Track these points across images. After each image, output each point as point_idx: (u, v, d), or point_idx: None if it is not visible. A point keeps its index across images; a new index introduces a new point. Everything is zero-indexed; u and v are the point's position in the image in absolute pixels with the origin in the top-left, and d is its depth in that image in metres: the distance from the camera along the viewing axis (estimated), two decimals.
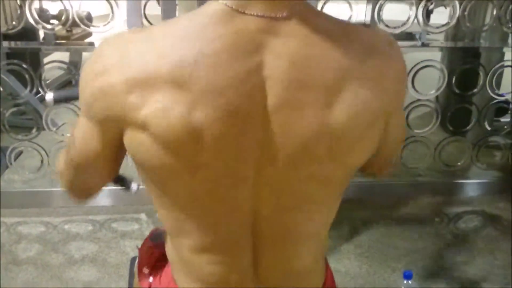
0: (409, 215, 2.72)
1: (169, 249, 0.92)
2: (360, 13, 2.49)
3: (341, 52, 0.69)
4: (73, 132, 0.81)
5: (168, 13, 1.89)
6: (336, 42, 0.70)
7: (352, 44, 0.71)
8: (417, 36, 4.18)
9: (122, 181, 1.11)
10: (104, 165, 0.82)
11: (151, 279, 1.06)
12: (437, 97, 3.36)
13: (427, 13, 5.50)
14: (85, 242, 2.43)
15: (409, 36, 3.65)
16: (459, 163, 2.87)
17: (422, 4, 2.52)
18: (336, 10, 2.38)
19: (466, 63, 2.82)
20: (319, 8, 2.37)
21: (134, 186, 1.12)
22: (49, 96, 1.17)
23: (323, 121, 0.69)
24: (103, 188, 0.89)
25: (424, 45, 3.37)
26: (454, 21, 2.58)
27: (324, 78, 0.69)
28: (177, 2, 1.94)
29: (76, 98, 0.87)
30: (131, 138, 0.72)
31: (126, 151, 0.77)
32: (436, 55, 3.49)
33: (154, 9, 2.33)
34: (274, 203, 0.77)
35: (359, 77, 0.70)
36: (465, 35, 3.22)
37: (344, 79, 0.69)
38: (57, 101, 1.20)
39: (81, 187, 0.89)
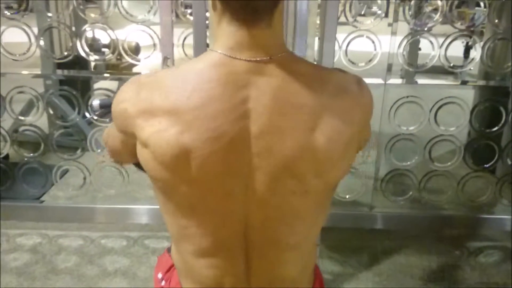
0: (430, 247, 2.77)
1: (174, 254, 1.07)
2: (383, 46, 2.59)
3: (315, 90, 0.85)
4: (109, 129, 1.06)
5: (199, 44, 2.08)
6: (311, 82, 0.86)
7: (325, 83, 0.87)
8: (459, 73, 4.25)
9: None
10: (127, 155, 1.02)
11: (163, 282, 1.20)
12: (469, 132, 3.42)
13: (467, 49, 5.52)
14: (119, 256, 2.61)
15: (449, 72, 3.73)
16: (481, 198, 2.91)
17: (448, 40, 2.60)
18: (359, 42, 2.53)
19: (486, 101, 2.89)
20: (346, 42, 2.51)
21: None
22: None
23: (304, 144, 0.84)
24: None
25: (463, 83, 3.45)
26: (475, 60, 2.67)
27: (300, 110, 0.84)
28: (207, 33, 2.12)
29: None
30: (140, 151, 0.91)
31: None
32: (471, 92, 3.56)
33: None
34: (262, 214, 0.90)
35: (331, 110, 0.85)
36: (496, 75, 3.27)
37: (318, 111, 0.84)
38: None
39: (117, 157, 1.12)
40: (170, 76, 0.88)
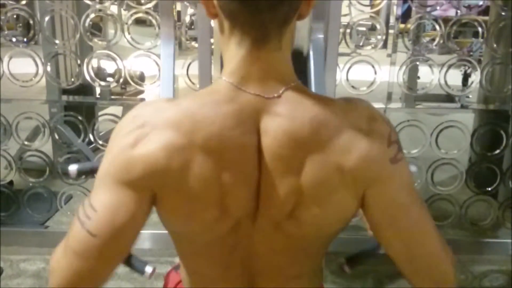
0: None
1: (182, 276, 1.09)
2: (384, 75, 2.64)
3: (316, 128, 0.82)
4: (89, 206, 0.81)
5: (204, 72, 2.11)
6: (314, 119, 0.83)
7: (329, 120, 0.83)
8: (457, 99, 4.31)
9: (132, 262, 1.09)
10: (131, 232, 0.83)
11: None
12: (470, 158, 3.45)
13: (465, 77, 5.61)
14: (122, 281, 2.60)
15: (448, 98, 3.79)
16: (484, 222, 2.92)
17: (447, 66, 2.66)
18: (360, 72, 2.59)
19: (487, 125, 2.92)
20: (345, 69, 2.56)
21: (148, 269, 1.12)
22: (73, 168, 1.22)
23: (291, 186, 0.83)
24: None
25: (463, 107, 3.49)
26: (474, 84, 2.72)
27: (294, 152, 0.82)
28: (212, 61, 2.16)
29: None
30: (168, 196, 0.83)
31: (145, 222, 0.85)
32: (471, 117, 3.59)
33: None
34: (266, 247, 0.92)
35: (327, 151, 0.82)
36: (496, 99, 3.30)
37: (312, 152, 0.82)
38: (80, 173, 1.24)
39: (84, 280, 0.81)
40: (193, 110, 0.83)
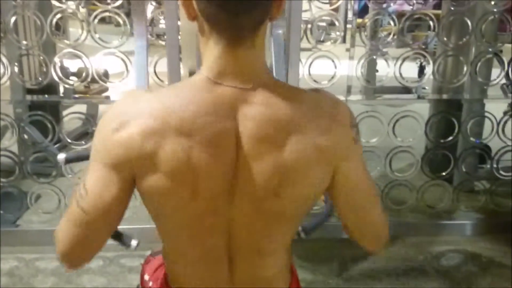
0: (395, 253, 2.91)
1: (164, 257, 1.16)
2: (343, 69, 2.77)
3: (292, 113, 0.93)
4: (83, 185, 0.94)
5: (173, 69, 2.19)
6: (289, 105, 0.94)
7: (302, 106, 0.95)
8: (414, 90, 4.51)
9: (120, 237, 1.21)
10: (116, 210, 0.95)
11: (151, 283, 1.29)
12: (426, 146, 3.62)
13: (421, 70, 5.83)
14: (96, 276, 2.65)
15: (406, 90, 3.98)
16: (440, 205, 3.10)
17: (400, 60, 2.81)
18: (321, 66, 2.71)
19: (440, 113, 3.10)
20: (307, 64, 2.69)
21: (134, 242, 1.22)
22: (61, 156, 1.33)
23: (274, 165, 0.93)
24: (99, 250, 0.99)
25: (419, 97, 3.66)
26: (427, 76, 2.88)
27: (277, 134, 0.93)
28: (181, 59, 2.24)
29: (85, 158, 1.00)
30: (145, 176, 0.92)
31: (129, 200, 0.97)
32: (426, 107, 3.77)
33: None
34: (245, 226, 1.00)
35: (306, 132, 0.94)
36: (449, 89, 3.48)
37: (292, 134, 0.93)
38: (68, 161, 1.34)
39: (82, 247, 0.96)
40: (169, 96, 0.94)
